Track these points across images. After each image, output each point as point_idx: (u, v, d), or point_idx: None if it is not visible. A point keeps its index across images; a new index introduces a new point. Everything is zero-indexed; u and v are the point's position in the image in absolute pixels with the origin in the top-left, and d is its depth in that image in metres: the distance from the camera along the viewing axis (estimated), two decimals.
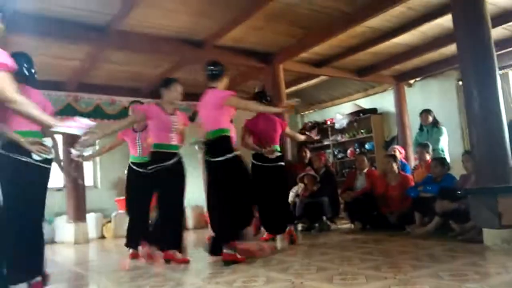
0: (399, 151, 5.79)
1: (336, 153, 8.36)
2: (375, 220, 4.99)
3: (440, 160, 4.64)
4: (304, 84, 7.50)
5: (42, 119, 2.29)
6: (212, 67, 3.57)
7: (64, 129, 2.45)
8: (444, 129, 5.67)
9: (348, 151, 8.08)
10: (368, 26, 4.99)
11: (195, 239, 5.81)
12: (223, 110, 3.42)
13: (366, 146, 7.77)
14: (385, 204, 4.93)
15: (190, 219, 7.43)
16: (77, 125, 2.49)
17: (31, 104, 2.22)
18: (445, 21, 4.75)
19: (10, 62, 2.09)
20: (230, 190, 3.34)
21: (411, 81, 7.44)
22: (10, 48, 4.92)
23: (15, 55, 2.50)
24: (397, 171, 5.04)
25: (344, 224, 5.47)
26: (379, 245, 3.77)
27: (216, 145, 3.39)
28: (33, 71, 2.92)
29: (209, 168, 3.49)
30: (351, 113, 8.03)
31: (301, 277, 2.58)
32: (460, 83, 5.95)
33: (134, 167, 4.23)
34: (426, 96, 7.20)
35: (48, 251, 5.53)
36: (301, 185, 5.44)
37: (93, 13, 4.25)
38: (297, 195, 5.53)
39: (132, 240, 4.18)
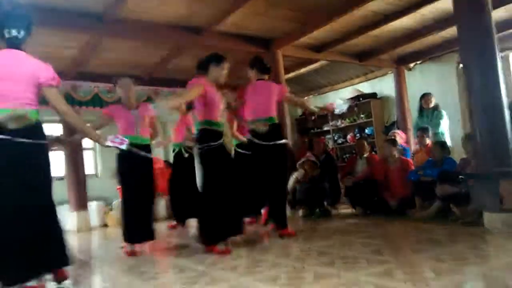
0: (399, 136, 5.78)
1: (336, 138, 8.36)
2: (376, 204, 5.01)
3: (440, 144, 4.64)
4: (304, 70, 7.44)
5: (91, 134, 2.91)
6: (266, 63, 3.99)
7: (111, 144, 2.96)
8: (444, 113, 5.65)
9: (348, 136, 8.07)
10: (369, 10, 4.93)
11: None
12: (274, 101, 3.84)
13: (366, 131, 7.76)
14: (386, 189, 4.95)
15: None
16: (119, 141, 3.00)
17: (80, 118, 2.85)
18: (445, 3, 4.69)
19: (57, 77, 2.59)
20: (285, 171, 3.83)
21: (411, 65, 7.39)
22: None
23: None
24: (397, 155, 5.04)
25: (345, 209, 5.49)
26: (380, 230, 3.80)
27: (273, 130, 3.73)
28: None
29: (262, 151, 3.71)
30: (351, 98, 8.00)
31: (302, 262, 2.61)
32: (461, 66, 5.90)
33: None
34: (426, 80, 7.16)
35: None
36: (301, 171, 5.45)
37: (89, 1, 4.19)
38: (297, 181, 5.55)
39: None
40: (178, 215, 5.35)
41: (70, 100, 6.13)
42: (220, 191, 3.23)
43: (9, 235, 2.31)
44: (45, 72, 2.58)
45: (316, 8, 4.79)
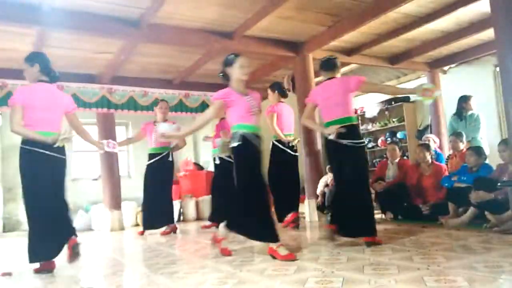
0: (433, 140, 5.66)
1: (366, 142, 8.25)
2: (407, 210, 4.92)
3: (475, 149, 4.50)
4: None
5: (94, 142, 3.80)
6: (333, 59, 3.76)
7: (108, 149, 3.90)
8: (481, 117, 5.48)
9: (379, 141, 7.96)
10: (400, 12, 4.86)
11: None
12: (350, 98, 3.54)
13: (398, 135, 7.63)
14: (418, 195, 4.85)
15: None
16: (112, 146, 3.90)
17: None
18: (481, 5, 4.56)
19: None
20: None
21: (446, 68, 7.21)
22: (48, 43, 5.17)
23: (37, 54, 3.51)
24: (430, 160, 4.94)
25: (375, 215, 5.40)
26: (411, 236, 3.72)
27: (352, 130, 3.44)
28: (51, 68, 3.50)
29: (343, 151, 3.41)
30: (383, 102, 7.89)
31: (331, 267, 2.60)
32: (497, 69, 5.71)
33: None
34: (461, 83, 6.96)
35: (85, 238, 5.81)
36: (330, 175, 5.42)
37: (126, 7, 4.34)
38: (326, 185, 5.53)
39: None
40: (215, 216, 5.38)
41: (106, 103, 6.35)
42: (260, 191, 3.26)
43: (48, 217, 3.14)
44: (72, 103, 3.54)
45: (346, 11, 4.77)
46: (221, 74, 3.36)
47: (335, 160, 3.58)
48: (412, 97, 3.86)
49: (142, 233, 5.42)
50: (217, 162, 5.45)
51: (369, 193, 3.67)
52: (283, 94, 5.01)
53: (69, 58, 5.57)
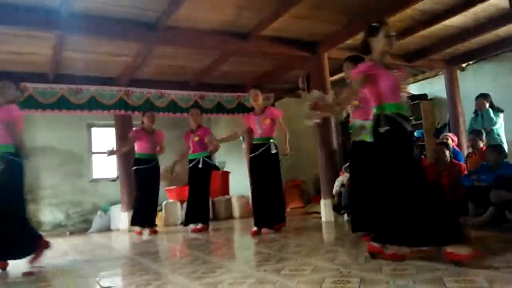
0: (451, 139, 5.57)
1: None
2: None
3: (495, 147, 4.42)
4: None
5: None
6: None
7: None
8: (500, 114, 5.38)
9: None
10: (417, 9, 4.80)
11: (242, 228, 5.93)
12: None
13: (415, 133, 7.52)
14: (437, 194, 4.77)
15: (236, 208, 7.58)
16: None
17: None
18: (500, 1, 4.47)
19: None
20: None
21: (464, 65, 7.09)
22: (67, 47, 5.25)
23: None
24: (449, 159, 4.86)
25: None
26: None
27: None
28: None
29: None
30: None
31: (349, 267, 2.59)
32: None
33: None
34: (480, 80, 6.84)
35: (105, 238, 5.92)
36: (346, 175, 5.38)
37: (143, 11, 4.41)
38: (342, 185, 5.49)
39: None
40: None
41: (124, 105, 6.44)
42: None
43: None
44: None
45: (361, 9, 4.74)
46: (362, 46, 2.89)
47: (361, 160, 3.47)
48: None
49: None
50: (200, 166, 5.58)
51: None
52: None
53: (87, 62, 5.68)
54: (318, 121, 3.80)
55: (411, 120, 2.76)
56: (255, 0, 4.35)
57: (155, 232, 5.80)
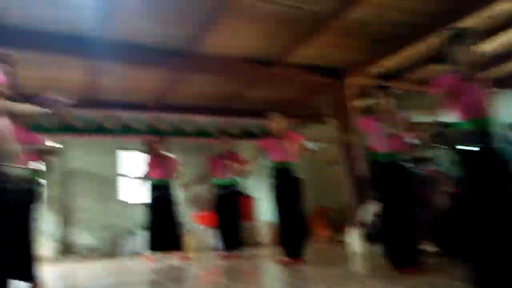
0: None
1: (413, 167, 7.93)
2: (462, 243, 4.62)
3: None
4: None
5: None
6: None
7: None
8: None
9: (428, 168, 7.62)
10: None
11: (268, 255, 5.84)
12: None
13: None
14: None
15: (262, 234, 7.49)
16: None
17: None
18: None
19: None
20: None
21: (497, 90, 6.87)
22: (99, 73, 5.47)
23: None
24: None
25: (427, 246, 5.12)
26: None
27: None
28: None
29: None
30: (431, 126, 7.58)
31: None
32: None
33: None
34: None
35: (134, 261, 5.95)
36: (378, 203, 5.22)
37: (173, 39, 4.59)
38: (373, 214, 5.32)
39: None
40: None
41: (154, 130, 6.61)
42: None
43: None
44: None
45: (386, 37, 4.74)
46: (443, 54, 2.54)
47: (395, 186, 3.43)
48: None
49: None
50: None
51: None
52: None
53: (119, 88, 5.91)
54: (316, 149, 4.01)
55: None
56: (281, 28, 4.44)
57: (185, 258, 5.69)
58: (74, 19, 4.04)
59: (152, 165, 5.78)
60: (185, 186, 5.84)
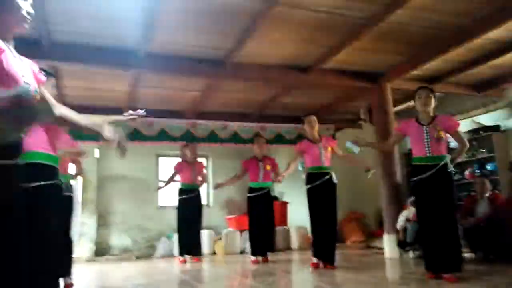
0: None
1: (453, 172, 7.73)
2: (501, 249, 4.50)
3: None
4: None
5: None
6: None
7: None
8: None
9: (466, 173, 7.41)
10: (488, 38, 4.62)
11: (300, 260, 5.85)
12: None
13: (488, 167, 7.06)
14: None
15: (294, 239, 7.52)
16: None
17: None
18: None
19: None
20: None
21: None
22: (141, 84, 5.68)
23: None
24: None
25: (464, 253, 5.02)
26: (506, 278, 3.40)
27: None
28: None
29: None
30: (469, 131, 7.40)
31: None
32: None
33: None
34: None
35: (168, 263, 6.12)
36: (412, 209, 5.16)
37: (211, 49, 4.71)
38: (407, 220, 5.26)
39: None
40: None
41: (190, 137, 6.79)
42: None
43: None
44: None
45: (426, 40, 4.66)
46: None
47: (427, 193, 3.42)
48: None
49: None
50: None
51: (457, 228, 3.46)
52: None
53: (159, 97, 6.11)
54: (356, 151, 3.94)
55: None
56: (316, 35, 4.46)
57: (199, 260, 5.91)
58: (118, 32, 4.23)
59: (180, 169, 5.97)
60: (219, 187, 5.93)
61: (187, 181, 5.98)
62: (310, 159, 4.58)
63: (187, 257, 5.95)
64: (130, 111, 3.35)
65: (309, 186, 4.52)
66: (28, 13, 1.57)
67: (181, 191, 5.99)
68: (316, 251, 4.47)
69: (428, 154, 3.46)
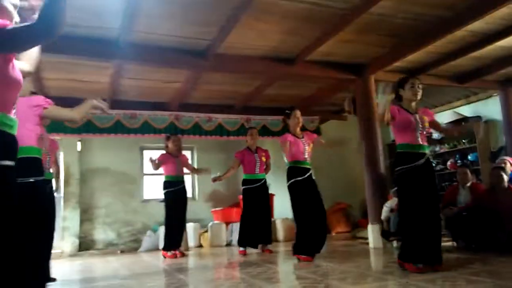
0: (509, 163, 5.29)
1: (434, 165, 7.87)
2: (482, 238, 4.60)
3: None
4: None
5: None
6: None
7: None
8: None
9: (448, 163, 7.55)
10: (468, 30, 4.68)
11: (286, 251, 5.88)
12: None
13: (469, 157, 7.20)
14: (494, 221, 4.52)
15: (280, 231, 7.55)
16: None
17: None
18: None
19: None
20: None
21: None
22: (123, 75, 5.60)
23: None
24: (506, 184, 4.61)
25: (446, 242, 5.11)
26: (487, 266, 3.48)
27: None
28: None
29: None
30: (451, 122, 7.52)
31: None
32: None
33: None
34: None
35: (153, 257, 6.09)
36: (395, 199, 5.23)
37: (194, 40, 4.63)
38: (391, 210, 5.33)
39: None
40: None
41: (174, 129, 6.71)
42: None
43: None
44: None
45: (408, 32, 4.69)
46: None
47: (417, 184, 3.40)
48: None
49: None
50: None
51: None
52: None
53: (141, 88, 6.02)
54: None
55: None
56: (300, 27, 4.43)
57: (182, 254, 5.87)
58: (99, 22, 4.12)
59: (164, 161, 5.87)
60: (217, 180, 5.92)
61: (172, 173, 5.90)
62: (294, 152, 4.55)
63: (177, 251, 5.84)
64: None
65: (293, 180, 4.50)
66: (15, 6, 1.55)
67: (167, 184, 5.90)
68: (301, 243, 4.45)
69: (420, 142, 3.47)
